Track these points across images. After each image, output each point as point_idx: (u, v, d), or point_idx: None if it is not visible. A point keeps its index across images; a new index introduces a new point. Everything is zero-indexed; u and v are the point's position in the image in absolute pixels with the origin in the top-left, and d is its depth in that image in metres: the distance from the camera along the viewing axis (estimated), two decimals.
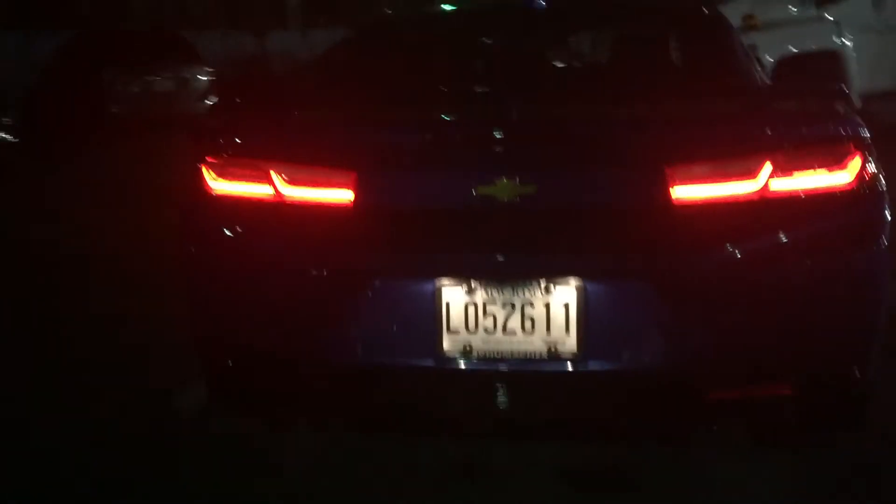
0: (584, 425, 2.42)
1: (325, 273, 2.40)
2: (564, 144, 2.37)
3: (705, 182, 2.30)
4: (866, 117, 6.26)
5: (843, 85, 2.44)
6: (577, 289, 2.27)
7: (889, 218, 2.37)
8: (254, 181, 2.53)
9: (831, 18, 8.23)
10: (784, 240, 2.31)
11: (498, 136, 2.35)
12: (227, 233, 2.58)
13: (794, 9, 8.37)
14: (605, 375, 2.30)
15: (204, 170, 2.61)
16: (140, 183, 8.78)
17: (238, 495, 2.84)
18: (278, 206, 2.49)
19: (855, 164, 2.33)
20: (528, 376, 2.34)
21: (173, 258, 2.83)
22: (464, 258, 2.33)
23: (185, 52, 13.93)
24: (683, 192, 2.29)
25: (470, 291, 2.32)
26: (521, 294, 2.31)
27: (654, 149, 2.33)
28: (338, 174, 2.40)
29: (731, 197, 2.31)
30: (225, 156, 2.59)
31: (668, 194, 2.28)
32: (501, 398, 2.37)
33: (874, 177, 2.37)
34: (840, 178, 2.33)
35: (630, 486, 2.78)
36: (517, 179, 2.30)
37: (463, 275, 2.32)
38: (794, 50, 8.07)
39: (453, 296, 2.33)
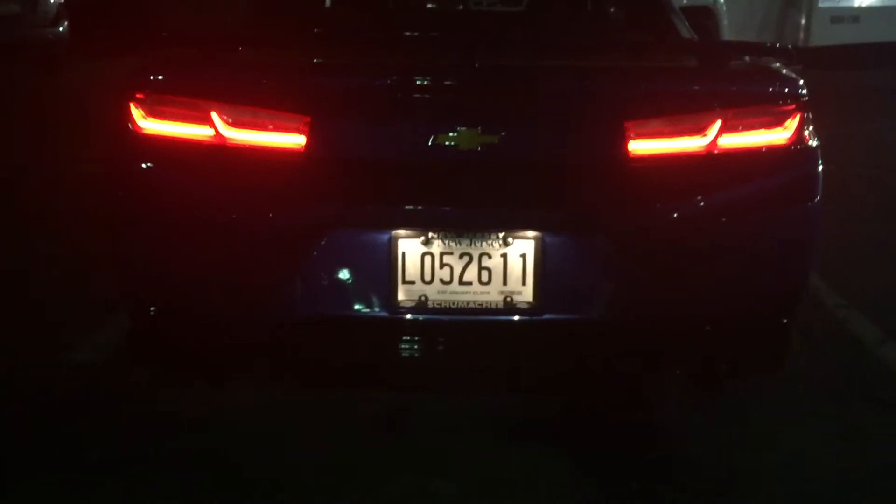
0: (537, 375, 2.44)
1: (274, 222, 2.29)
2: (527, 96, 2.34)
3: (660, 138, 2.34)
4: None
5: (788, 45, 2.52)
6: (535, 240, 2.28)
7: (822, 173, 2.49)
8: (191, 122, 2.37)
9: None
10: (730, 194, 2.38)
11: (461, 85, 2.29)
12: (160, 176, 2.42)
13: None
14: (560, 325, 2.33)
15: (132, 107, 2.42)
16: None
17: (149, 453, 2.74)
18: (220, 150, 2.35)
19: (795, 121, 2.43)
20: (484, 326, 2.33)
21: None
22: (421, 209, 2.28)
23: None
24: (639, 147, 2.32)
25: (426, 242, 2.28)
26: (478, 245, 2.29)
27: (615, 103, 2.34)
28: (291, 119, 2.29)
29: (682, 152, 2.36)
30: (158, 93, 2.41)
31: (625, 149, 2.31)
32: (456, 349, 2.36)
33: (811, 133, 2.47)
34: (781, 135, 2.42)
35: (550, 434, 2.87)
36: (479, 129, 2.26)
37: (420, 225, 2.28)
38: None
39: (409, 246, 2.28)
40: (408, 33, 2.73)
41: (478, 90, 2.30)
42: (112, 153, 2.49)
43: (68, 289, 4.04)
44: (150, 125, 2.41)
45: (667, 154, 2.35)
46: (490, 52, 2.34)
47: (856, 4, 9.61)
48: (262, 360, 2.46)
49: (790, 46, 2.54)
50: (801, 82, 2.46)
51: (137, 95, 2.42)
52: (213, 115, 2.33)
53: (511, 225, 2.28)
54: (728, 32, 8.70)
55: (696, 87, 2.42)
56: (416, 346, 2.36)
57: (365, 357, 2.39)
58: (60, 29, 12.68)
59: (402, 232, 2.27)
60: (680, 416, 2.99)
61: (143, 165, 2.43)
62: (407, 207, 2.28)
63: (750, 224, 2.39)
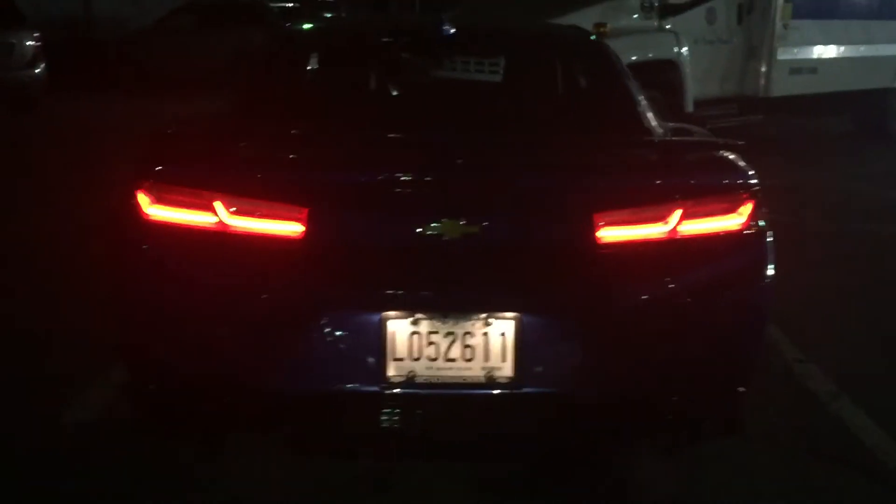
0: (518, 444, 2.65)
1: (274, 303, 2.49)
2: (504, 190, 2.57)
3: (626, 226, 2.57)
4: (698, 121, 6.77)
5: (738, 142, 2.77)
6: (514, 320, 2.49)
7: (772, 254, 2.73)
8: (195, 209, 2.57)
9: (670, 29, 8.84)
10: (690, 276, 2.62)
11: (444, 180, 2.52)
12: (165, 259, 2.61)
13: (636, 17, 8.91)
14: (537, 398, 2.53)
15: (139, 195, 2.62)
16: None
17: None
18: (222, 236, 2.55)
19: (748, 208, 2.67)
20: (468, 400, 2.53)
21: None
22: (409, 293, 2.49)
23: (10, 16, 12.99)
24: (607, 235, 2.55)
25: (414, 322, 2.48)
26: (461, 325, 2.49)
27: (584, 196, 2.57)
28: (290, 209, 2.49)
29: (645, 239, 2.60)
30: (164, 183, 2.61)
31: (594, 237, 2.54)
32: (443, 421, 2.56)
33: (763, 218, 2.72)
34: (735, 221, 2.67)
35: (538, 491, 3.06)
36: (461, 220, 2.48)
37: (408, 307, 2.48)
38: (636, 58, 8.57)
39: (399, 327, 2.48)
40: (394, 130, 2.95)
41: (460, 185, 2.53)
42: (118, 238, 2.69)
43: (57, 347, 4.19)
44: (156, 212, 2.60)
45: (632, 241, 2.58)
46: (471, 148, 2.57)
47: (814, 56, 10.02)
48: (260, 430, 2.64)
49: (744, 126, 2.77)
50: (753, 172, 2.72)
51: (144, 184, 2.61)
52: (217, 204, 2.53)
53: (491, 307, 2.49)
54: (691, 83, 9.03)
55: (658, 180, 2.65)
56: (405, 419, 2.55)
57: (357, 428, 2.58)
58: (37, 71, 12.82)
59: (391, 313, 2.48)
60: (642, 472, 3.20)
61: (149, 250, 2.62)
62: (396, 291, 2.49)
63: (709, 303, 2.62)
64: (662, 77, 8.74)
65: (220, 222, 2.54)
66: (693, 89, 9.03)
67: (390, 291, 2.49)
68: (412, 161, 2.60)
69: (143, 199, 2.61)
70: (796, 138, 10.97)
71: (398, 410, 2.54)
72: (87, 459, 3.22)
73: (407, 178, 2.53)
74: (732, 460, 3.24)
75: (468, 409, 2.56)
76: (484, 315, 2.49)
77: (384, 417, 2.54)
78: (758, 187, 2.70)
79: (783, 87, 9.76)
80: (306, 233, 2.50)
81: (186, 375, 2.61)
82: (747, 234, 2.68)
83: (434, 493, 3.00)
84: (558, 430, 2.62)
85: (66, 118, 11.86)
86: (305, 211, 2.49)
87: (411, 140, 2.74)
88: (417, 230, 2.49)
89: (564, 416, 2.59)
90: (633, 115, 3.15)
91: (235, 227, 2.54)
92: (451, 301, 2.51)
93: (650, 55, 8.75)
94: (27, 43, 12.81)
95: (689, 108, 8.98)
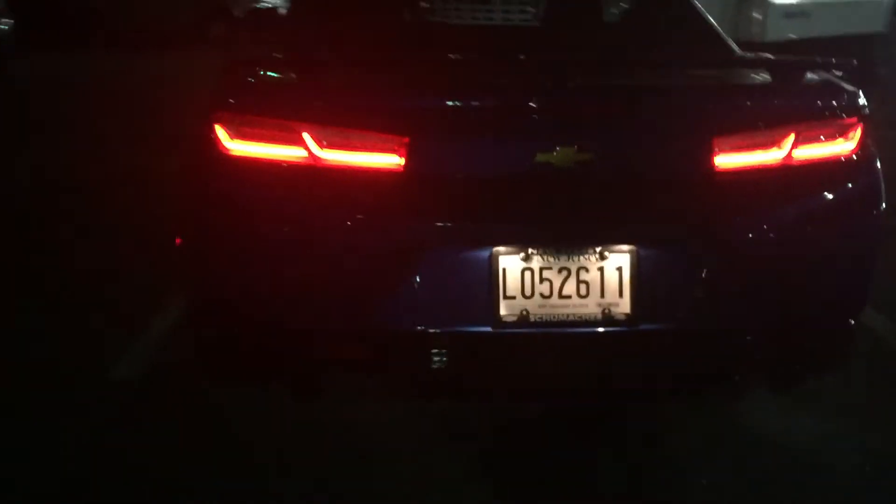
0: (634, 384, 2.52)
1: (376, 241, 2.32)
2: (620, 115, 2.41)
3: (743, 151, 2.44)
4: None
5: (854, 61, 2.63)
6: (630, 254, 2.35)
7: (882, 180, 2.62)
8: (281, 143, 2.37)
9: None
10: (804, 203, 2.50)
11: (556, 105, 2.34)
12: (250, 197, 2.41)
13: None
14: (656, 335, 2.40)
15: (218, 128, 2.41)
16: None
17: (201, 467, 2.78)
18: (313, 171, 2.36)
19: (858, 133, 2.56)
20: (584, 338, 2.39)
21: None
22: (520, 226, 2.34)
23: None
24: (725, 161, 2.41)
25: (526, 258, 2.33)
26: (576, 260, 2.35)
27: (702, 120, 2.43)
28: (389, 139, 2.31)
29: (761, 165, 2.47)
30: (246, 114, 2.40)
31: (712, 163, 2.40)
32: (558, 361, 2.42)
33: (872, 143, 2.60)
34: (846, 146, 2.55)
35: (631, 438, 2.98)
36: (574, 148, 2.32)
37: (520, 242, 2.33)
38: None
39: (510, 262, 2.33)
40: (496, 54, 2.75)
41: (573, 110, 2.36)
42: (196, 173, 2.48)
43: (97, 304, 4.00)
44: (237, 146, 2.40)
45: (748, 167, 2.45)
46: (583, 72, 2.41)
47: (807, 0, 9.94)
48: (358, 373, 2.48)
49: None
50: (862, 95, 2.59)
51: (223, 115, 2.41)
52: (307, 135, 2.34)
53: (607, 239, 2.35)
54: None
55: (774, 103, 2.52)
56: (519, 359, 2.41)
57: (469, 370, 2.43)
58: (4, 27, 12.29)
59: (502, 249, 2.32)
60: (740, 412, 3.14)
61: (231, 186, 2.42)
62: (507, 225, 2.33)
63: (824, 232, 2.50)
64: None
65: (311, 155, 2.35)
66: None
67: (500, 225, 2.33)
68: (521, 86, 2.42)
69: (221, 133, 2.41)
70: None
71: (512, 351, 2.39)
72: (135, 416, 3.08)
73: (516, 104, 2.36)
74: (830, 401, 3.20)
75: (584, 348, 2.42)
76: (599, 248, 2.34)
77: (497, 358, 2.40)
78: (867, 110, 2.58)
79: (778, 31, 9.67)
80: (407, 164, 2.32)
81: (278, 319, 2.42)
82: (858, 159, 2.56)
83: (518, 439, 2.89)
84: (677, 368, 2.49)
85: (41, 76, 11.42)
86: (406, 140, 2.31)
87: (518, 64, 2.55)
88: (528, 159, 2.32)
89: (683, 353, 2.46)
90: (721, 40, 3.00)
91: (328, 160, 2.35)
92: (565, 234, 2.36)
93: None
94: None
95: None
